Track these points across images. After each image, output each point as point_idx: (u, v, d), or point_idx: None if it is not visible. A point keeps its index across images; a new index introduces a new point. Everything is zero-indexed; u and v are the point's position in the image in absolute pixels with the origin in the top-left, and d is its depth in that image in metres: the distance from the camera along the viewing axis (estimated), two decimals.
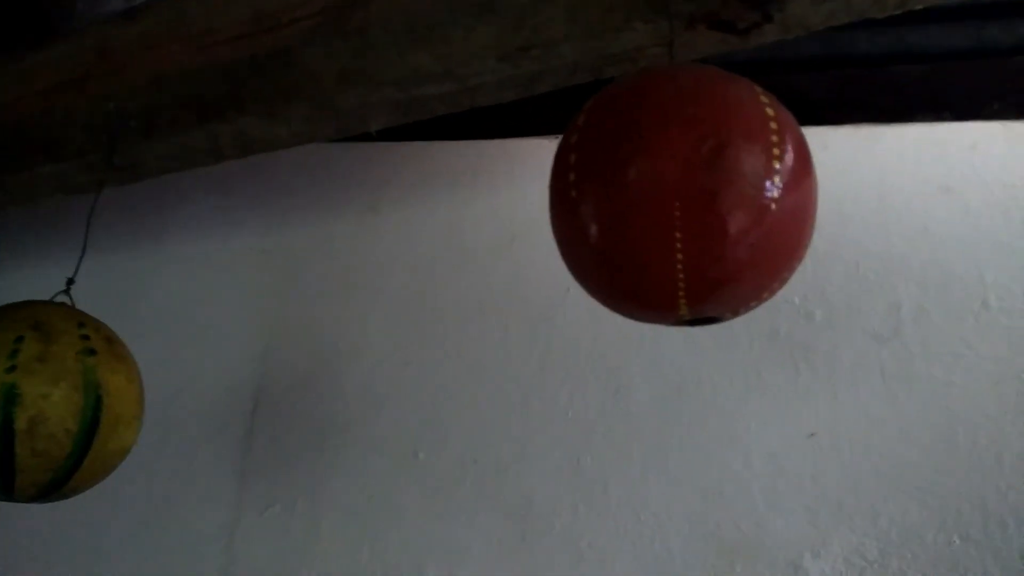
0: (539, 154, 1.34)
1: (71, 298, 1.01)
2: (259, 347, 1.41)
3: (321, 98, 1.08)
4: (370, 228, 1.42)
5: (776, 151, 0.70)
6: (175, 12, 1.21)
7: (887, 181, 1.14)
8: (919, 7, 0.92)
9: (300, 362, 1.39)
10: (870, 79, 1.23)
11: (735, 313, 0.75)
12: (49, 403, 0.87)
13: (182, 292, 1.53)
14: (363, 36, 1.06)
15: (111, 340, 0.97)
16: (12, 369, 0.87)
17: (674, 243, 0.69)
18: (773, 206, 0.69)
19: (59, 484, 0.90)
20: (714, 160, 0.68)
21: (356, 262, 1.41)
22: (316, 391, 1.36)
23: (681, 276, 0.70)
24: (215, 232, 1.54)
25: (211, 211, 1.56)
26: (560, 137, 0.77)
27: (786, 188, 0.69)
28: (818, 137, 1.16)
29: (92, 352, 0.92)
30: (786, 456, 1.09)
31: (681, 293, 0.71)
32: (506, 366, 1.26)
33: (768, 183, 0.69)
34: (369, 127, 1.13)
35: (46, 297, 0.99)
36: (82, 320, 0.96)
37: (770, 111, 0.71)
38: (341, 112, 1.10)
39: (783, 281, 0.75)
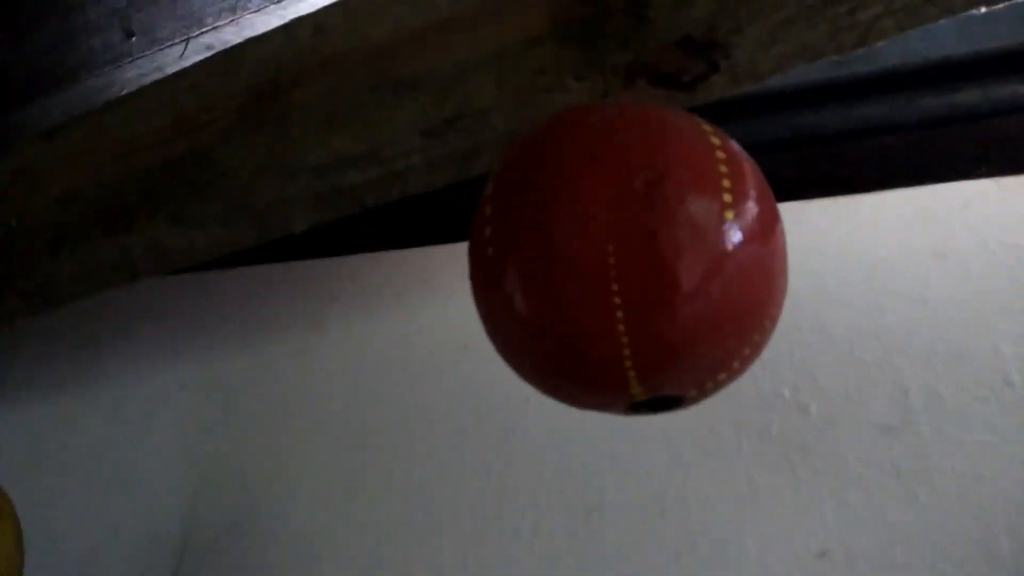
0: None
1: None
2: (187, 492, 1.26)
3: (235, 195, 1.01)
4: (312, 349, 1.31)
5: (726, 183, 0.58)
6: (95, 127, 1.16)
7: (873, 252, 1.03)
8: (880, 42, 0.84)
9: (232, 506, 1.23)
10: (842, 153, 1.15)
11: (701, 389, 0.60)
12: None
13: (107, 435, 1.39)
14: (281, 126, 1.00)
15: None
16: None
17: (611, 297, 0.55)
18: (727, 246, 0.56)
19: None
20: (651, 195, 0.56)
21: (295, 387, 1.29)
22: (249, 537, 1.19)
23: (624, 339, 0.55)
24: (148, 367, 1.42)
25: (147, 345, 1.45)
26: None
27: (742, 225, 0.57)
28: (789, 213, 1.06)
29: None
30: None
31: (628, 363, 0.56)
32: (460, 495, 1.10)
33: (719, 219, 0.57)
34: (292, 227, 1.04)
35: None
36: None
37: (715, 140, 0.61)
38: (258, 210, 1.02)
39: (755, 347, 0.61)
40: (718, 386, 0.61)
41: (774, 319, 0.61)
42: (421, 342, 1.24)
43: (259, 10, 1.17)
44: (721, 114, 0.76)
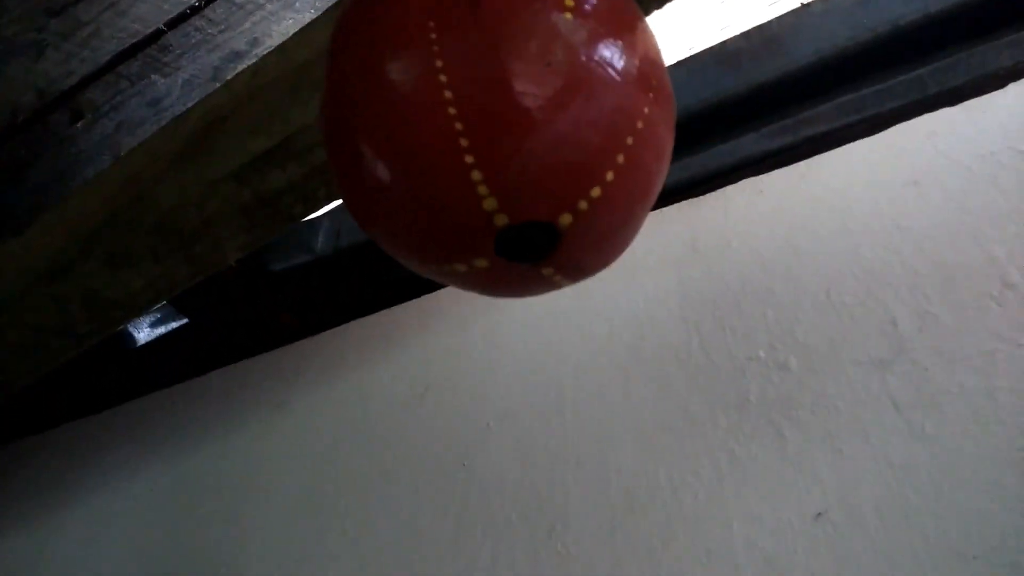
0: (454, 303, 1.22)
1: None
2: None
3: (160, 223, 1.04)
4: (276, 429, 1.27)
5: None
6: (58, 216, 1.25)
7: (842, 200, 0.97)
8: None
9: None
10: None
11: (575, 211, 0.54)
12: None
13: (79, 555, 1.34)
14: (210, 151, 1.05)
15: None
16: None
17: (436, 77, 0.54)
18: (566, 19, 0.55)
19: None
20: None
21: (255, 468, 1.24)
22: None
23: (459, 127, 0.53)
24: (119, 479, 1.40)
25: (119, 461, 1.44)
26: None
27: (587, 10, 0.56)
28: (751, 185, 1.03)
29: None
30: (790, 551, 0.76)
31: (470, 159, 0.53)
32: (417, 539, 1.00)
33: (555, 13, 0.56)
34: (225, 256, 1.06)
35: None
36: None
37: None
38: (186, 237, 1.04)
39: (631, 154, 0.56)
40: (598, 211, 0.56)
41: (651, 121, 0.58)
42: (380, 396, 1.19)
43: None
44: None
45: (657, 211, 1.12)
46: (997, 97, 0.94)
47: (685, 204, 1.09)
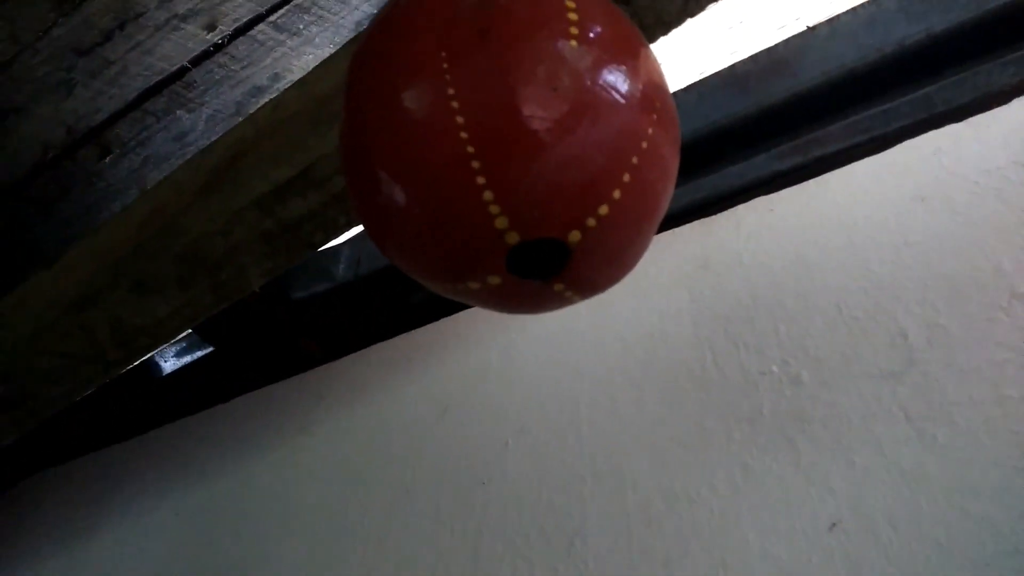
0: (472, 324, 1.24)
1: None
2: None
3: (186, 252, 1.08)
4: (299, 453, 1.29)
5: (572, 14, 0.61)
6: (88, 247, 1.29)
7: (850, 217, 0.98)
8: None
9: None
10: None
11: (583, 228, 0.57)
12: None
13: None
14: (233, 182, 1.09)
15: None
16: None
17: (448, 103, 0.57)
18: (576, 65, 0.58)
19: None
20: (482, 1, 0.60)
21: (279, 491, 1.26)
22: None
23: (471, 151, 0.56)
24: (145, 506, 1.42)
25: (148, 484, 1.46)
26: None
27: (591, 47, 0.59)
28: (762, 204, 1.06)
29: None
30: (805, 563, 0.77)
31: (481, 180, 0.56)
32: (437, 555, 1.01)
33: (563, 24, 0.59)
34: (250, 283, 1.09)
35: None
36: None
37: None
38: (211, 264, 1.08)
39: (636, 173, 0.58)
40: (606, 228, 0.58)
41: (656, 142, 0.60)
42: (401, 417, 1.21)
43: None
44: None
45: (670, 231, 1.14)
46: (1001, 113, 0.96)
47: (697, 223, 1.11)
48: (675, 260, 1.08)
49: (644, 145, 0.60)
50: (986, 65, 1.11)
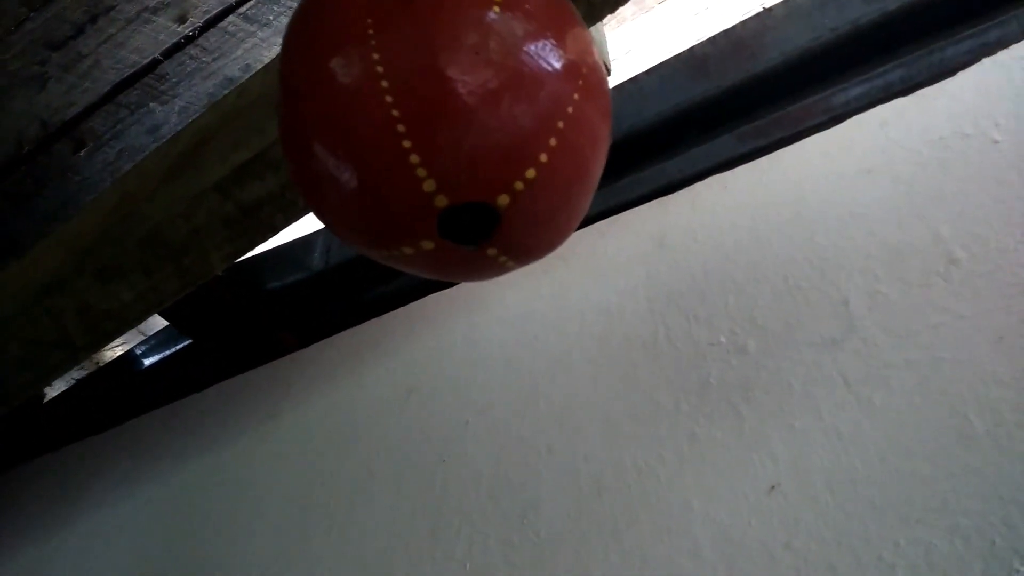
0: (438, 307, 1.26)
1: None
2: None
3: (150, 237, 1.09)
4: (267, 439, 1.31)
5: None
6: (57, 238, 1.31)
7: (799, 190, 1.00)
8: None
9: None
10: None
11: (512, 192, 0.59)
12: None
13: (81, 573, 1.39)
14: (197, 167, 1.10)
15: None
16: None
17: (373, 68, 0.58)
18: (495, 13, 0.60)
19: None
20: None
21: (247, 477, 1.28)
22: None
23: (396, 115, 0.57)
24: (117, 496, 1.44)
25: (122, 475, 1.48)
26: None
27: (515, 4, 0.61)
28: (716, 182, 1.07)
29: None
30: (745, 525, 0.79)
31: (407, 144, 0.57)
32: (396, 536, 1.03)
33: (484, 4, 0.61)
34: (212, 265, 1.11)
35: None
36: None
37: None
38: (174, 248, 1.10)
39: (563, 138, 0.60)
40: (534, 191, 0.60)
41: (582, 108, 0.62)
42: (367, 400, 1.23)
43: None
44: None
45: (629, 211, 1.16)
46: (946, 85, 0.97)
47: (655, 203, 1.13)
48: (633, 239, 1.10)
49: (570, 110, 0.61)
50: (941, 43, 1.12)
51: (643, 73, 1.29)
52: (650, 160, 1.28)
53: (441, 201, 0.58)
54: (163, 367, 1.71)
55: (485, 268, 0.68)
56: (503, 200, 0.59)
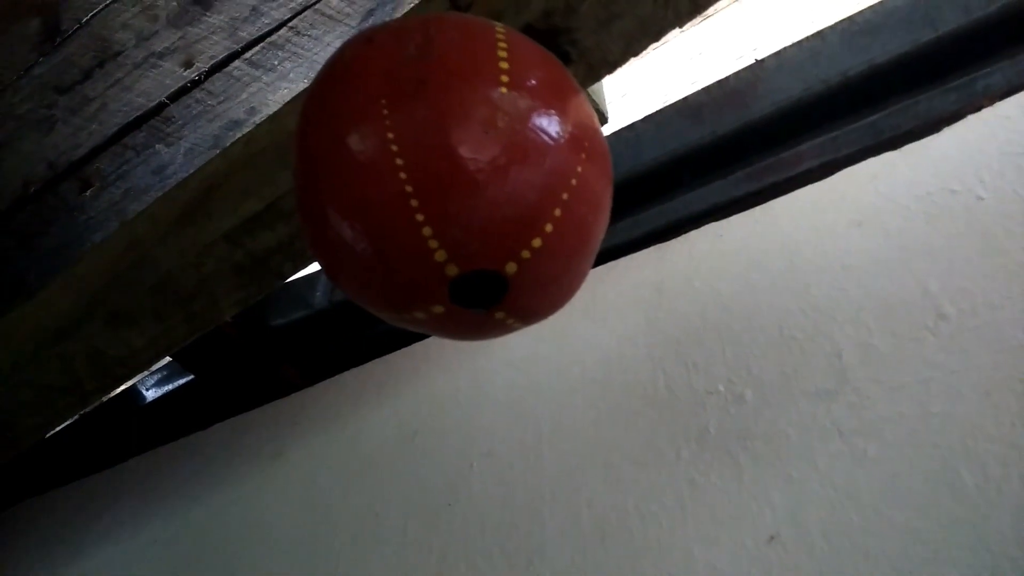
0: (442, 350, 1.29)
1: None
2: None
3: (160, 284, 1.12)
4: (272, 479, 1.33)
5: (503, 53, 0.66)
6: (67, 280, 1.33)
7: (792, 241, 1.04)
8: (709, 6, 0.94)
9: None
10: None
11: (519, 261, 0.62)
12: None
13: None
14: (207, 215, 1.13)
15: None
16: None
17: (388, 146, 0.62)
18: (502, 93, 0.63)
19: None
20: (420, 52, 0.65)
21: (254, 516, 1.30)
22: None
23: (410, 190, 0.61)
24: (122, 534, 1.46)
25: (128, 513, 1.50)
26: None
27: (523, 91, 0.64)
28: (712, 230, 1.11)
29: None
30: (746, 573, 0.81)
31: (420, 217, 0.61)
32: (403, 570, 1.05)
33: (494, 81, 0.64)
34: (221, 311, 1.14)
35: None
36: None
37: (499, 27, 0.69)
38: (184, 295, 1.12)
39: (568, 209, 0.64)
40: (541, 259, 0.63)
41: (585, 179, 0.65)
42: (372, 441, 1.25)
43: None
44: None
45: (627, 257, 1.19)
46: (933, 141, 1.01)
47: (652, 250, 1.16)
48: (631, 285, 1.13)
49: (574, 182, 0.65)
50: (927, 93, 1.16)
51: (639, 120, 1.33)
52: (647, 203, 1.32)
53: (452, 270, 0.61)
54: (165, 402, 1.73)
55: (492, 329, 0.71)
56: (511, 268, 0.62)
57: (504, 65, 0.64)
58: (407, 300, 0.66)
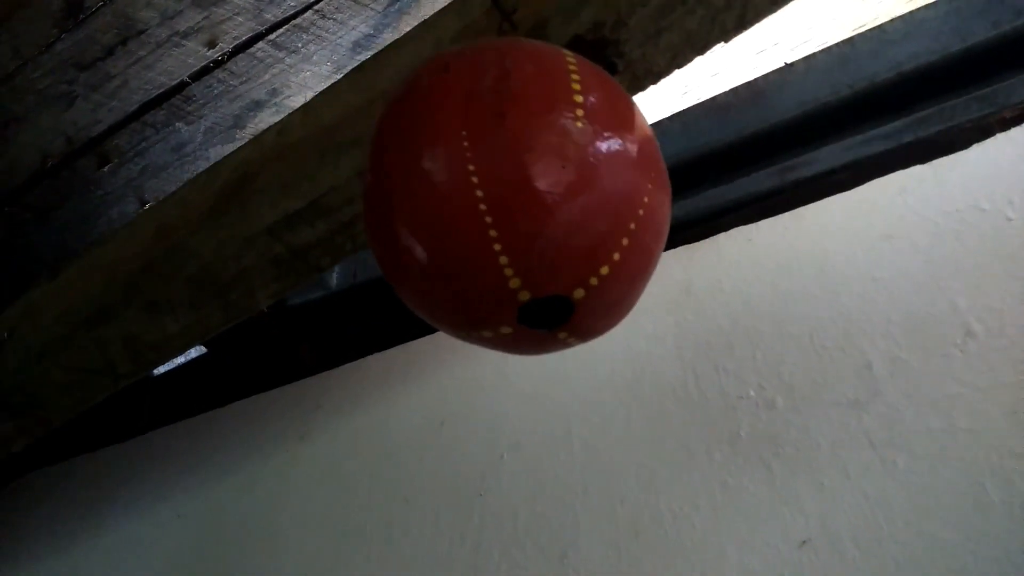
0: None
1: None
2: None
3: (199, 274, 1.14)
4: (298, 460, 1.36)
5: (576, 85, 0.67)
6: (91, 260, 1.34)
7: (822, 249, 1.07)
8: (756, 23, 0.96)
9: None
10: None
11: (587, 287, 0.65)
12: None
13: None
14: (242, 208, 1.14)
15: None
16: None
17: (468, 177, 0.64)
18: (579, 137, 0.65)
19: None
20: (498, 85, 0.66)
21: (279, 496, 1.33)
22: None
23: (489, 220, 0.63)
24: (147, 506, 1.49)
25: (150, 486, 1.53)
26: None
27: (595, 120, 0.66)
28: (740, 234, 1.14)
29: None
30: (779, 575, 0.86)
31: (497, 246, 0.63)
32: (435, 565, 1.09)
33: (570, 112, 0.66)
34: (257, 302, 1.16)
35: None
36: None
37: (570, 56, 0.70)
38: (222, 285, 1.14)
39: (634, 238, 0.66)
40: (606, 285, 0.66)
41: (653, 210, 0.68)
42: (399, 428, 1.28)
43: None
44: None
45: None
46: (962, 156, 1.04)
47: (681, 250, 1.19)
48: (660, 285, 1.16)
49: (641, 212, 0.67)
50: (951, 101, 1.19)
51: (666, 119, 1.35)
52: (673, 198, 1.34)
53: (524, 296, 0.64)
54: (177, 375, 1.75)
55: (552, 347, 0.74)
56: (579, 293, 0.65)
57: (578, 99, 0.67)
58: (476, 321, 0.68)
